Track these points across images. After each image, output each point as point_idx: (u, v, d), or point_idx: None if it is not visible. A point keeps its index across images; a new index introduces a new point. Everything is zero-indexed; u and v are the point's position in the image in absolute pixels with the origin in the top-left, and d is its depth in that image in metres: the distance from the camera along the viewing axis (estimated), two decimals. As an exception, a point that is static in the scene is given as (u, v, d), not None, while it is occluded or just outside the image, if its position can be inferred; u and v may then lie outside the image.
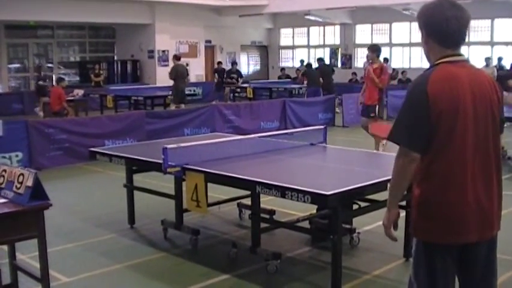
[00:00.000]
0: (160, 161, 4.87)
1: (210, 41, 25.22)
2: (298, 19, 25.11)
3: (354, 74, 22.96)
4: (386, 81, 9.60)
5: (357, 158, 5.88)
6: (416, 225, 2.68)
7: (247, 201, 5.39)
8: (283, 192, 4.06)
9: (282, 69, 24.98)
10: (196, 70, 23.75)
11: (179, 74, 14.56)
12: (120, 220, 6.25)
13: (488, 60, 17.33)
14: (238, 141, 6.13)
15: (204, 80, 23.90)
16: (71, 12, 19.59)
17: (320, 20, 23.94)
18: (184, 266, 5.07)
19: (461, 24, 2.60)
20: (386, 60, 22.87)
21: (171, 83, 15.07)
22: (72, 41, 24.53)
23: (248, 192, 5.07)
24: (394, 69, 22.56)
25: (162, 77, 16.38)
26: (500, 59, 18.43)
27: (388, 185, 2.85)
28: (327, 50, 26.71)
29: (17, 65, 23.06)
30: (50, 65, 23.53)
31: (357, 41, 25.35)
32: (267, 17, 26.40)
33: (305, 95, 16.92)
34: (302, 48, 27.64)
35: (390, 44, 24.19)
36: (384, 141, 9.37)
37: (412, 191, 2.70)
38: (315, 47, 27.19)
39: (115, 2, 20.42)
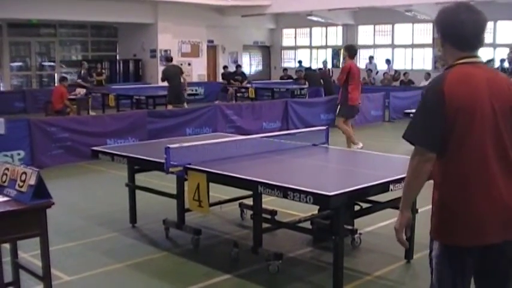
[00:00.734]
0: (163, 161, 4.87)
1: (212, 41, 25.22)
2: (300, 20, 25.10)
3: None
4: (341, 80, 9.97)
5: (359, 159, 5.88)
6: (437, 229, 2.64)
7: (249, 202, 5.39)
8: (285, 192, 4.06)
9: (285, 69, 24.99)
10: (199, 70, 23.76)
11: (171, 74, 14.51)
12: (121, 219, 6.25)
13: (490, 62, 17.31)
14: (240, 142, 6.13)
15: (206, 80, 23.91)
16: (74, 11, 19.62)
17: (322, 20, 23.93)
18: (186, 266, 5.08)
19: (477, 27, 2.60)
20: (388, 61, 22.97)
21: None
22: (74, 40, 24.55)
23: (250, 193, 5.07)
24: (396, 71, 22.56)
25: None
26: (502, 61, 18.41)
27: (402, 186, 2.82)
28: (329, 51, 26.69)
29: (19, 64, 23.08)
30: (51, 63, 23.56)
31: (359, 42, 25.33)
32: (269, 17, 26.39)
33: (306, 96, 16.92)
34: (304, 48, 27.63)
35: (392, 45, 24.18)
36: (357, 147, 9.53)
37: (432, 195, 2.67)
38: (317, 47, 27.17)
39: (118, 1, 20.44)
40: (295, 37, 28.12)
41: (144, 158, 5.56)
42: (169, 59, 15.30)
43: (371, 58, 23.63)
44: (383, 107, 16.26)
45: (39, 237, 3.56)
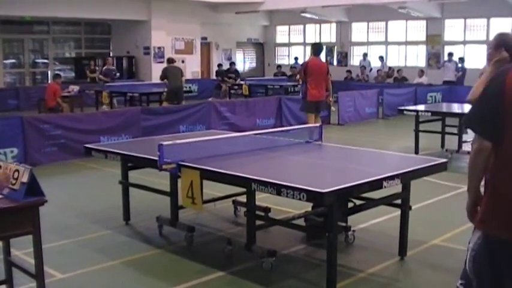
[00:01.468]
0: (156, 158, 4.86)
1: (206, 38, 25.19)
2: (294, 16, 25.09)
3: (349, 71, 22.97)
4: (300, 76, 10.64)
5: (352, 156, 5.88)
6: (484, 217, 2.67)
7: (243, 199, 5.39)
8: (278, 189, 4.06)
9: (279, 66, 24.97)
10: (192, 67, 23.72)
11: (170, 74, 14.75)
12: (115, 217, 6.24)
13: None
14: (234, 139, 6.13)
15: (199, 77, 23.89)
16: (67, 8, 19.52)
17: (316, 17, 23.92)
18: (180, 263, 5.07)
19: None
20: (381, 58, 23.00)
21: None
22: (67, 37, 24.46)
23: (243, 190, 5.07)
24: (390, 68, 22.59)
25: (158, 74, 16.42)
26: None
27: None
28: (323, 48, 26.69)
29: (13, 61, 22.98)
30: (45, 60, 23.47)
31: (353, 39, 25.35)
32: (263, 14, 26.38)
33: (300, 93, 16.91)
34: (298, 45, 27.63)
35: (386, 42, 24.20)
36: None
37: (485, 183, 2.73)
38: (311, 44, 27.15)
39: (111, -2, 20.39)
40: (289, 34, 28.11)
41: (138, 155, 5.54)
42: (171, 60, 15.70)
43: (365, 55, 23.65)
44: (377, 104, 16.29)
45: (32, 235, 3.56)
